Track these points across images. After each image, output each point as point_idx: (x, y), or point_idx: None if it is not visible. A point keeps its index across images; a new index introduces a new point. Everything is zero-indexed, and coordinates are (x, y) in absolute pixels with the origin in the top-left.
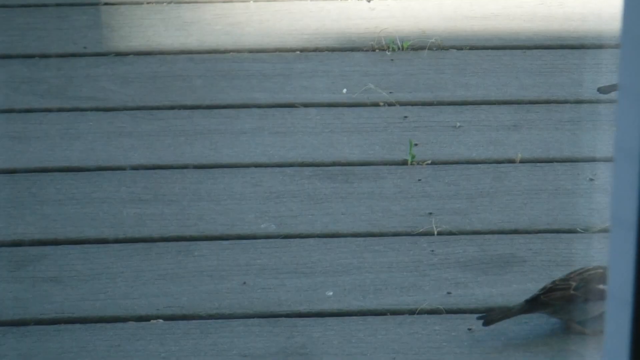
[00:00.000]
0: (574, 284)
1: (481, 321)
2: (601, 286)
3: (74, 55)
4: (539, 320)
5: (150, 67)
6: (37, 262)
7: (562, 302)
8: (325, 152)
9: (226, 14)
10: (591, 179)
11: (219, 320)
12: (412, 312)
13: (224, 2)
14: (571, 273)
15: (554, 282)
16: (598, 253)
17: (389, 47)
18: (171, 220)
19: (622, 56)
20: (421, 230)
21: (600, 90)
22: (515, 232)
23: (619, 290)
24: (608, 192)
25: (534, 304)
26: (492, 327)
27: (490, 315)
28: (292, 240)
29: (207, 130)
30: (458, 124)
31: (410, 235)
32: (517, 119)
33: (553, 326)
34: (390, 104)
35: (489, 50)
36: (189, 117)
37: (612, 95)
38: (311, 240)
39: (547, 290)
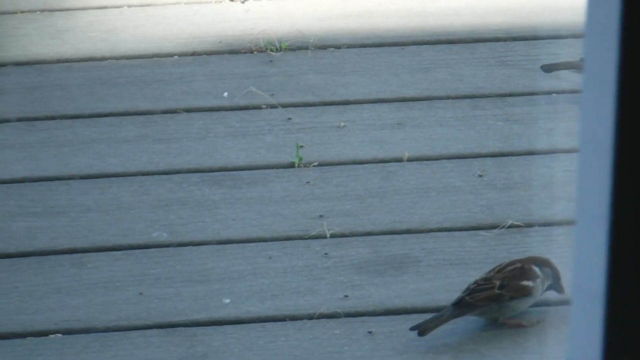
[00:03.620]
0: (497, 282)
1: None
2: (524, 282)
3: None
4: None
5: (28, 77)
6: None
7: (487, 302)
8: (210, 158)
9: (100, 21)
10: (480, 175)
11: (118, 333)
12: (310, 317)
13: (97, 8)
14: (491, 271)
15: (476, 281)
16: (492, 250)
17: (267, 49)
18: (61, 232)
19: (588, 42)
20: (313, 233)
21: (544, 68)
22: (408, 231)
23: (587, 283)
24: (497, 188)
25: (461, 307)
26: (392, 329)
27: (423, 325)
28: (184, 248)
29: (90, 140)
30: (342, 124)
31: (303, 239)
32: (401, 117)
33: (454, 323)
34: (272, 106)
35: (367, 48)
36: (71, 126)
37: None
38: (203, 248)
39: (471, 291)
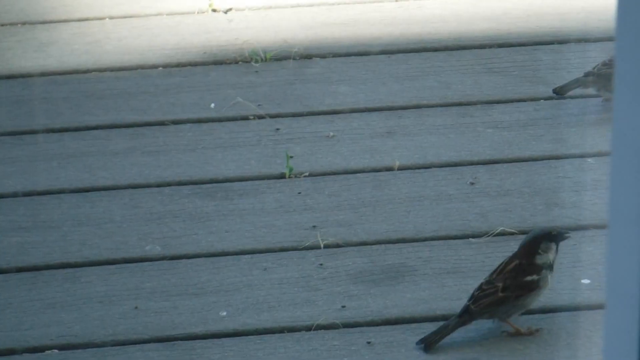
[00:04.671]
0: (500, 284)
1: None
2: (528, 278)
3: None
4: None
5: (13, 91)
6: None
7: (494, 307)
8: (201, 170)
9: (83, 33)
10: (472, 183)
11: (115, 347)
12: (308, 328)
13: (79, 20)
14: (494, 272)
15: (480, 286)
16: (488, 257)
17: (252, 59)
18: (54, 247)
19: (619, 47)
20: (307, 244)
21: (556, 91)
22: (402, 240)
23: (622, 286)
24: (490, 195)
25: (467, 316)
26: (391, 339)
27: (427, 339)
28: (179, 261)
29: (79, 153)
30: (331, 134)
31: (297, 249)
32: (390, 126)
33: (457, 332)
34: (260, 117)
35: (353, 57)
36: (59, 140)
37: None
38: (198, 260)
39: (475, 299)
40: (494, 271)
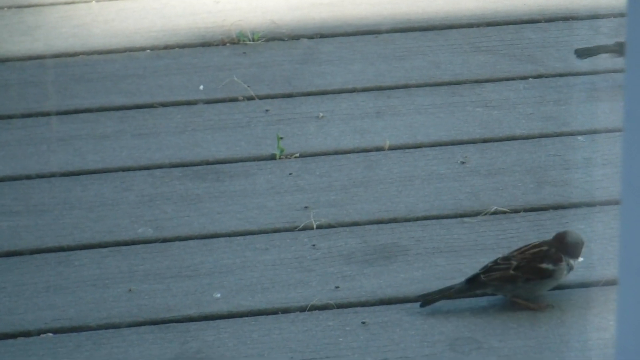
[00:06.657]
0: (514, 263)
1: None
2: (543, 265)
3: None
4: (430, 309)
5: (1, 75)
6: None
7: (501, 282)
8: (191, 152)
9: (70, 16)
10: (462, 162)
11: (110, 330)
12: (302, 309)
13: (66, 3)
14: (515, 250)
15: (495, 260)
16: (480, 237)
17: (239, 40)
18: (46, 231)
19: (631, 23)
20: (300, 225)
21: (578, 53)
22: (394, 220)
23: (635, 263)
24: (481, 174)
25: (474, 284)
26: (385, 319)
27: (428, 296)
28: (171, 243)
29: (68, 137)
30: (321, 114)
31: (290, 230)
32: (379, 106)
33: (448, 311)
34: (249, 98)
35: (341, 37)
36: (48, 123)
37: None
38: (191, 242)
39: (487, 270)
40: (517, 249)
